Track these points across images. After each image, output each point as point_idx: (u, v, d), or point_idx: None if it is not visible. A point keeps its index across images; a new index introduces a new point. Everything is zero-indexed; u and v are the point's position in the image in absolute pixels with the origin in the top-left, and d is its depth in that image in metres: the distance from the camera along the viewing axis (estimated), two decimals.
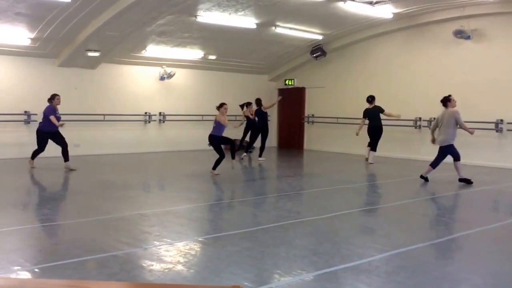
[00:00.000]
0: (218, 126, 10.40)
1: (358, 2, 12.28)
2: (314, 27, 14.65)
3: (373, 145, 13.17)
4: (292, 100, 18.03)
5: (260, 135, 14.21)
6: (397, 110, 14.75)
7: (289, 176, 10.90)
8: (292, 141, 18.01)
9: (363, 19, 14.00)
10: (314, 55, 16.40)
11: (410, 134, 14.63)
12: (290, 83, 18.07)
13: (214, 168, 10.49)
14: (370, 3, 12.47)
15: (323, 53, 16.29)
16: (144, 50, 14.23)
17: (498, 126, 12.74)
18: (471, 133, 9.88)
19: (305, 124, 17.76)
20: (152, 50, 14.25)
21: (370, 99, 13.29)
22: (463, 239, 5.89)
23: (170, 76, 15.51)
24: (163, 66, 15.43)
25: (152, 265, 4.66)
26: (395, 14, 13.50)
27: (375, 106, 13.19)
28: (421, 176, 10.01)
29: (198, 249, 5.34)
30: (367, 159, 13.22)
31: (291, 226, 6.24)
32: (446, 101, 9.90)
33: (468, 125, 10.08)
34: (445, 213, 7.74)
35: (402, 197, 8.73)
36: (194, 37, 13.99)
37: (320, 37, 15.49)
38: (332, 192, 9.07)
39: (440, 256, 5.16)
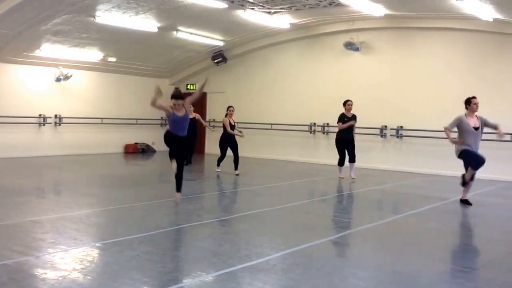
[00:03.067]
0: None
1: (257, 11, 12.69)
2: (215, 33, 14.87)
3: (353, 157, 11.47)
4: (194, 105, 17.99)
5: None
6: (293, 116, 15.49)
7: (190, 180, 10.94)
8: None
9: (262, 28, 14.48)
10: (215, 60, 16.64)
11: (306, 139, 15.38)
12: (192, 88, 18.11)
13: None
14: (269, 12, 12.95)
15: (224, 59, 16.58)
16: (38, 50, 13.49)
17: (382, 131, 13.86)
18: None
19: (207, 128, 17.85)
20: (47, 50, 13.56)
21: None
22: (351, 236, 6.36)
23: (66, 77, 14.85)
24: (59, 67, 14.73)
25: (46, 273, 4.49)
26: (292, 25, 14.14)
27: (353, 114, 11.50)
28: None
29: (96, 255, 5.22)
30: (352, 177, 11.32)
31: (191, 229, 6.32)
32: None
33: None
34: (335, 212, 8.25)
35: (298, 198, 9.17)
36: (92, 38, 13.54)
37: (221, 44, 15.75)
38: (231, 195, 9.27)
39: (331, 253, 5.52)
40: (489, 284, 4.64)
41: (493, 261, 5.43)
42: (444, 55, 13.08)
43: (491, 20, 11.73)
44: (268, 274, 4.65)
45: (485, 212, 8.21)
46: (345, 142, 11.35)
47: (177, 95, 7.07)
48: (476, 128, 8.06)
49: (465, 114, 8.23)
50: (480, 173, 11.70)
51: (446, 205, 8.69)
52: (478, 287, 4.54)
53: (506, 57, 12.26)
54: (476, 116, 8.19)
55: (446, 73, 13.04)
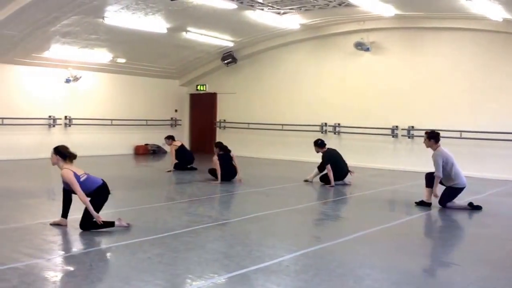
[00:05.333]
0: None
1: (267, 11, 12.64)
2: (225, 33, 14.83)
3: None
4: (204, 106, 18.10)
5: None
6: (304, 116, 15.45)
7: (200, 181, 10.90)
8: (203, 146, 18.01)
9: (272, 28, 14.42)
10: (225, 61, 16.60)
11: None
12: (201, 89, 18.11)
13: None
14: (279, 13, 12.88)
15: (234, 60, 16.53)
16: (47, 51, 13.53)
17: (394, 132, 13.74)
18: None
19: (217, 129, 17.87)
20: (56, 51, 13.58)
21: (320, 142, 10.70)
22: (364, 237, 6.26)
23: (76, 78, 14.88)
24: (69, 68, 14.77)
25: (56, 276, 4.46)
26: (302, 25, 14.07)
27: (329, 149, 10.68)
28: None
29: (107, 257, 5.19)
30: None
31: (202, 231, 6.26)
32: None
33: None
34: (347, 213, 8.16)
35: (309, 199, 9.10)
36: (101, 39, 13.55)
37: (231, 44, 15.71)
38: (243, 196, 9.21)
39: (344, 255, 5.44)
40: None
41: (504, 261, 5.32)
42: (453, 55, 12.96)
43: (500, 20, 11.59)
44: (281, 276, 4.59)
45: (500, 212, 8.08)
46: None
47: None
48: None
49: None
50: (492, 173, 11.83)
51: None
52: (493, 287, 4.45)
53: None
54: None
55: (455, 73, 12.93)
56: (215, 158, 10.69)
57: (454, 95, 12.91)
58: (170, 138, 12.72)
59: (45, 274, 4.51)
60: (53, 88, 14.77)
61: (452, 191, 8.03)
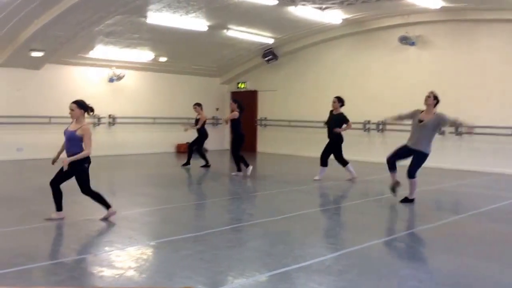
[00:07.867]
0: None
1: (308, 6, 12.49)
2: (265, 30, 14.78)
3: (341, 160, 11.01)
4: (245, 103, 18.07)
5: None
6: (347, 113, 15.17)
7: (241, 179, 10.91)
8: (245, 144, 18.02)
9: (313, 24, 14.25)
10: (266, 58, 16.55)
11: (359, 137, 14.96)
12: (242, 86, 18.13)
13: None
14: (320, 8, 12.71)
15: (275, 57, 16.46)
16: (91, 51, 13.87)
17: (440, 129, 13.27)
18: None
19: (258, 127, 17.85)
20: (100, 50, 13.90)
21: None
22: (409, 237, 6.10)
23: (119, 78, 15.19)
24: (112, 68, 15.10)
25: (102, 271, 4.54)
26: (344, 20, 13.83)
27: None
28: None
29: (150, 253, 5.25)
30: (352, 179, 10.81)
31: (244, 229, 6.25)
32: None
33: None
34: (392, 212, 7.96)
35: (352, 198, 8.93)
36: (144, 38, 13.78)
37: (271, 41, 15.65)
38: (284, 194, 9.14)
39: (388, 254, 5.31)
40: None
41: None
42: (505, 47, 12.34)
43: None
44: (323, 275, 4.53)
45: None
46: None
47: None
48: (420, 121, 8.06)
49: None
50: None
51: (510, 206, 8.21)
52: None
53: None
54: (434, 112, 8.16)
55: (507, 67, 12.33)
56: (236, 113, 11.34)
57: (506, 90, 12.32)
58: (200, 106, 13.21)
59: (92, 269, 4.62)
60: (98, 87, 15.11)
61: (422, 159, 7.92)
